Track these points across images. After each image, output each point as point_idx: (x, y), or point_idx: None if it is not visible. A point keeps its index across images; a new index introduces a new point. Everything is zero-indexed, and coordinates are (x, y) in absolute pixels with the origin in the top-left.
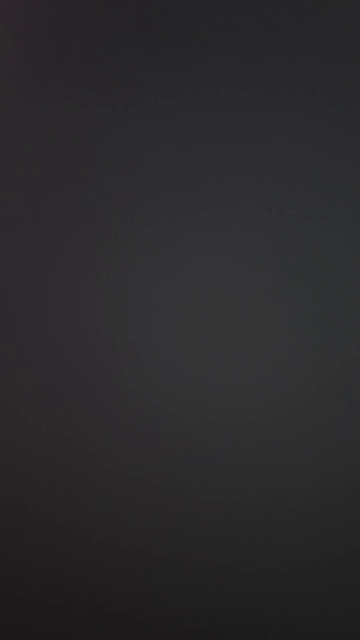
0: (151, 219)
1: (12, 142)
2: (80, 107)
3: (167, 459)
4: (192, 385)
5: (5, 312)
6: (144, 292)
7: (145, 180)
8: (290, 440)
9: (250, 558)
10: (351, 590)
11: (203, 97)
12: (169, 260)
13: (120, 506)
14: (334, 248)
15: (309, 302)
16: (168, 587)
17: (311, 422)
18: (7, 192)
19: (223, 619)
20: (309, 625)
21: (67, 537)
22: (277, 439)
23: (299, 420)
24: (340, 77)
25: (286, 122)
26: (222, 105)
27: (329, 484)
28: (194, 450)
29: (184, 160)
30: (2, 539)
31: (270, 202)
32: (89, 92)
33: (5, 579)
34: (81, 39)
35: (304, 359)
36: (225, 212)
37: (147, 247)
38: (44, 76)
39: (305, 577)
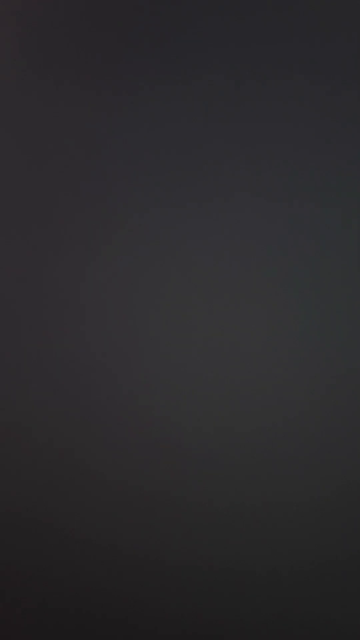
0: (151, 213)
1: (10, 135)
2: (80, 101)
3: (166, 464)
4: (192, 387)
5: (1, 312)
6: (142, 290)
7: (144, 175)
8: (291, 444)
9: (251, 562)
10: (352, 593)
11: (203, 89)
12: (169, 257)
13: (120, 512)
14: (337, 243)
15: (311, 301)
16: (169, 591)
17: (313, 427)
18: (4, 187)
19: (224, 622)
20: (310, 629)
21: (66, 543)
22: (278, 444)
23: (300, 424)
24: (342, 67)
25: (287, 113)
26: (222, 97)
27: (330, 488)
28: (193, 455)
29: (184, 152)
30: (1, 545)
31: (271, 196)
32: (88, 84)
33: (5, 584)
34: (82, 27)
35: (305, 361)
36: (226, 206)
37: (147, 243)
38: (44, 66)
39: (306, 581)
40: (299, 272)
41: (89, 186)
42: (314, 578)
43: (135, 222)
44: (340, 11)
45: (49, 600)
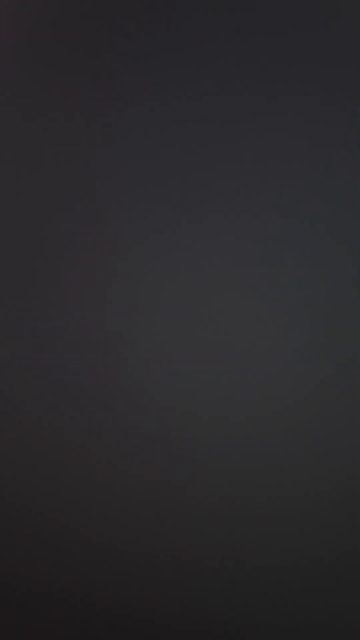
0: (152, 223)
1: (11, 147)
2: (79, 112)
3: (166, 457)
4: (192, 385)
5: (5, 313)
6: (144, 295)
7: (144, 183)
8: (290, 438)
9: (251, 556)
10: (352, 590)
11: (203, 100)
12: (169, 263)
13: (119, 503)
14: (334, 253)
15: (310, 305)
16: (168, 585)
17: (311, 421)
18: (7, 198)
19: (223, 618)
20: (309, 626)
21: (65, 535)
22: (277, 438)
23: (298, 418)
24: (341, 80)
25: (287, 125)
26: (221, 110)
27: (329, 483)
28: (193, 448)
29: (184, 163)
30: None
31: (271, 207)
32: (87, 98)
33: (4, 580)
34: (79, 38)
35: (303, 360)
36: (226, 217)
37: (148, 251)
38: (43, 79)
39: (305, 577)
40: (300, 285)
41: (89, 201)
42: (314, 573)
43: (136, 225)
44: (342, 23)
45: (47, 594)
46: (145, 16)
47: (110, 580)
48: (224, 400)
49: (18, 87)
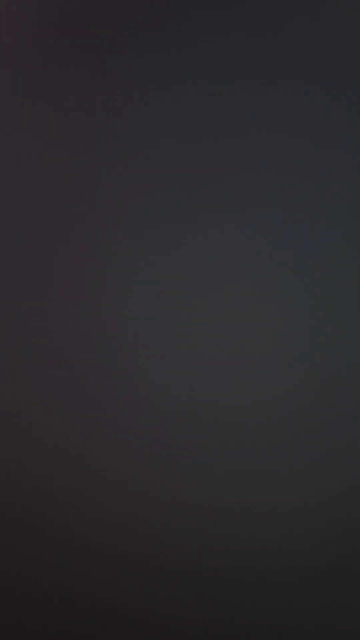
0: (151, 219)
1: (10, 143)
2: (79, 108)
3: (167, 459)
4: (192, 386)
5: (5, 310)
6: (145, 293)
7: (144, 181)
8: (290, 441)
9: (250, 559)
10: (350, 591)
11: (203, 98)
12: (170, 260)
13: (119, 505)
14: (335, 251)
15: (310, 304)
16: (168, 585)
17: (311, 423)
18: (7, 194)
19: (223, 618)
20: (307, 627)
21: (66, 537)
22: (278, 440)
23: (299, 421)
24: (341, 77)
25: (286, 123)
26: (222, 107)
27: (329, 485)
28: (193, 450)
29: (184, 161)
30: (1, 538)
31: (271, 204)
32: (87, 94)
33: (4, 580)
34: (80, 38)
35: (304, 360)
36: (226, 214)
37: (148, 247)
38: (43, 76)
39: (304, 578)
40: (300, 282)
41: (90, 198)
42: (313, 576)
43: (135, 223)
44: (339, 24)
45: (47, 595)
46: (145, 13)
47: (110, 580)
48: (223, 400)
49: (18, 85)
